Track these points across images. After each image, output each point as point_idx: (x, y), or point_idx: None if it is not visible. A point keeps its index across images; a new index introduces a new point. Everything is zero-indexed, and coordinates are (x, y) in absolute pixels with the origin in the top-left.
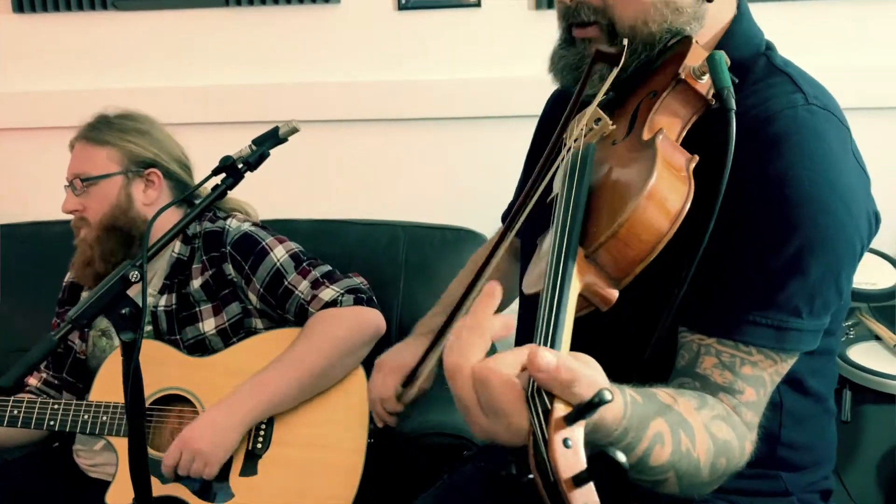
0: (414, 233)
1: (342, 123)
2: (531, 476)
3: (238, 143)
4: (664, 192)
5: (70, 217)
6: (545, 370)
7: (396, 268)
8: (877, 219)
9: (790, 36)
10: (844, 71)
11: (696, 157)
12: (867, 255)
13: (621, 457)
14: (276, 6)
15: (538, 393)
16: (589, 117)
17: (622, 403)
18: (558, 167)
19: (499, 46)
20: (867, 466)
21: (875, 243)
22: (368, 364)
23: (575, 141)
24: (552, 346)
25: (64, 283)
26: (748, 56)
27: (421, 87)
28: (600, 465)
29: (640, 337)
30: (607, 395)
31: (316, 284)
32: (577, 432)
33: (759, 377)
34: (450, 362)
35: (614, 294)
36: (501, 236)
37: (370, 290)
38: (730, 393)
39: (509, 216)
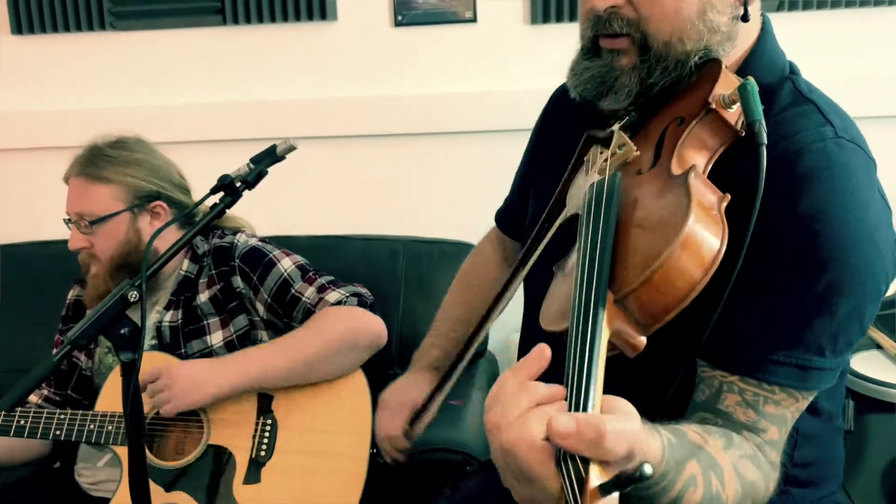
0: (413, 247)
1: (340, 140)
2: None
3: (237, 161)
4: (700, 238)
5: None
6: (566, 437)
7: (396, 282)
8: None
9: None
10: (832, 81)
11: (728, 196)
12: None
13: None
14: (273, 24)
15: (571, 457)
16: (613, 144)
17: (660, 448)
18: (579, 194)
19: (495, 61)
20: (871, 475)
21: None
22: (369, 370)
23: (595, 166)
24: (584, 408)
25: (68, 301)
26: (773, 81)
27: (418, 103)
28: None
29: (660, 372)
30: (647, 470)
31: (322, 289)
32: (613, 501)
33: (781, 416)
34: (490, 421)
35: (642, 342)
36: (515, 270)
37: (372, 299)
38: (753, 432)
39: (525, 246)
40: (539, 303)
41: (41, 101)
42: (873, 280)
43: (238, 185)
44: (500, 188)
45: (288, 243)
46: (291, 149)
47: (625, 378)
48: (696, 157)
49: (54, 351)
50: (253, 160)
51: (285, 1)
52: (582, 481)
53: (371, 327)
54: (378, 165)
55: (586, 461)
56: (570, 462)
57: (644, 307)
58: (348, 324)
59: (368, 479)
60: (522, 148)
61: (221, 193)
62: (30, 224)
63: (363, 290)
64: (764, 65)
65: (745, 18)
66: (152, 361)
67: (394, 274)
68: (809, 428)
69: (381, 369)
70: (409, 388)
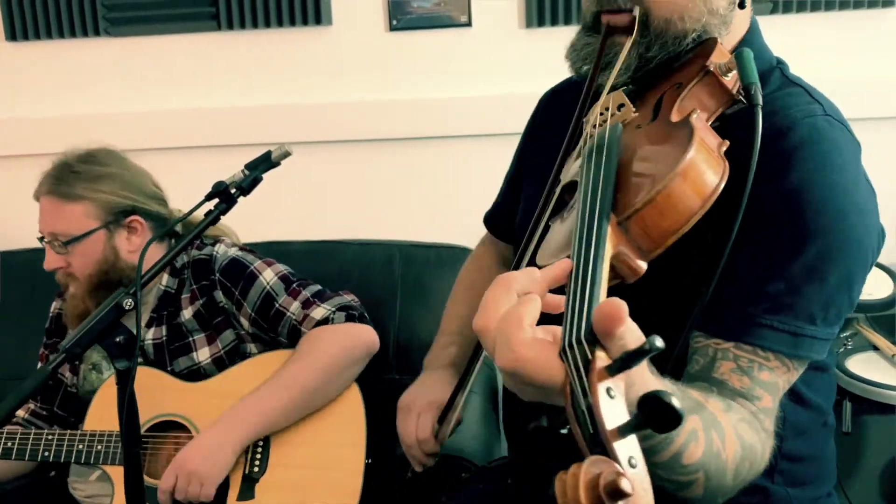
0: (409, 252)
1: (335, 144)
2: (567, 429)
3: (232, 166)
4: (702, 166)
5: None
6: (623, 322)
7: (392, 287)
8: (882, 236)
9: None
10: (826, 83)
11: (727, 143)
12: None
13: (676, 402)
14: (268, 29)
15: (577, 343)
16: (612, 103)
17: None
18: (576, 155)
19: (490, 65)
20: (869, 477)
21: None
22: (365, 378)
23: (595, 127)
24: (591, 305)
25: (51, 314)
26: (763, 69)
27: (413, 107)
28: (653, 411)
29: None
30: (658, 342)
31: (307, 304)
32: (621, 385)
33: (774, 383)
34: (478, 324)
35: (643, 266)
36: (518, 261)
37: (362, 307)
38: (748, 399)
39: (523, 239)
40: None
41: (37, 108)
42: (861, 250)
43: (233, 191)
44: (495, 192)
45: (283, 249)
46: (286, 155)
47: None
48: (696, 107)
49: (39, 365)
50: (248, 166)
51: (280, 6)
52: (588, 362)
53: (362, 339)
54: (373, 170)
55: (593, 343)
56: (574, 348)
57: (645, 229)
58: (340, 344)
59: (364, 490)
60: None
61: (216, 200)
62: (29, 231)
63: (350, 299)
64: (755, 55)
65: (741, 5)
66: (144, 378)
67: (390, 278)
68: (799, 420)
69: (378, 375)
70: (433, 387)
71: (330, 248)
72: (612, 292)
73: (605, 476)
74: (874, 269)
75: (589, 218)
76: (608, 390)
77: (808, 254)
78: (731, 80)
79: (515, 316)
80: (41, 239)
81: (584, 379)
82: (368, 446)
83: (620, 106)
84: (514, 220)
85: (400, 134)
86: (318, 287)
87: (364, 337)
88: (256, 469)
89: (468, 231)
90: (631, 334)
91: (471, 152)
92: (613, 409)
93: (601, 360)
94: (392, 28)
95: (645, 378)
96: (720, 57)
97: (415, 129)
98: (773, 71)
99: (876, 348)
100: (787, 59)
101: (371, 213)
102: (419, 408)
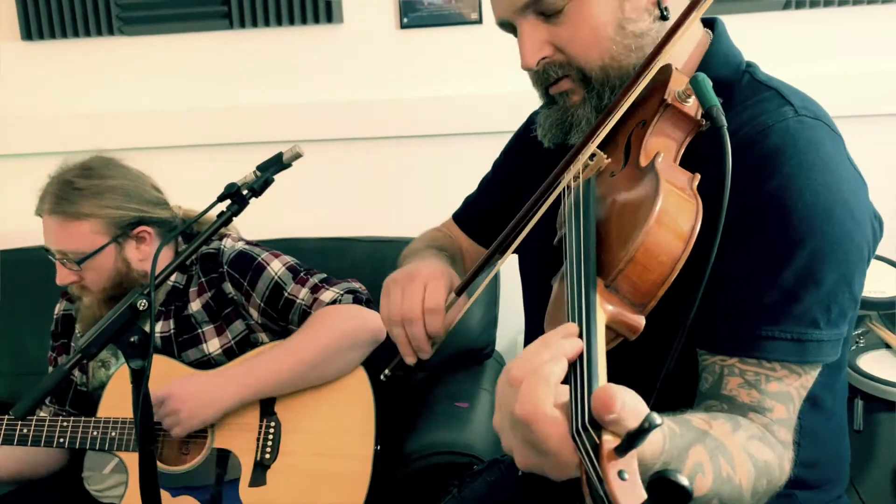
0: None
1: (346, 142)
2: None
3: (244, 165)
4: (673, 212)
5: None
6: (616, 411)
7: None
8: (879, 222)
9: (785, 45)
10: (839, 78)
11: (698, 176)
12: (875, 263)
13: (683, 480)
14: (279, 27)
15: (583, 429)
16: (584, 155)
17: (661, 436)
18: (562, 210)
19: (501, 62)
20: (881, 475)
21: (881, 250)
22: (372, 369)
23: (574, 180)
24: (590, 388)
25: (56, 316)
26: (730, 74)
27: (424, 105)
28: (662, 491)
29: (657, 363)
30: (657, 420)
31: (315, 289)
32: (632, 463)
33: (785, 393)
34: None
35: (641, 321)
36: (488, 257)
37: (369, 294)
38: (759, 412)
39: (500, 239)
40: (538, 315)
41: (51, 106)
42: (855, 247)
43: (245, 192)
44: None
45: (295, 245)
46: (298, 156)
47: (625, 375)
48: (661, 147)
49: (50, 369)
50: (259, 167)
51: (291, 4)
52: (597, 447)
53: (369, 324)
54: (384, 168)
55: (598, 429)
56: (583, 434)
57: (634, 286)
58: (346, 323)
59: (373, 478)
60: None
61: (228, 202)
62: (37, 229)
63: (358, 286)
64: (719, 61)
65: (663, 17)
66: (156, 366)
67: None
68: (814, 426)
69: (385, 368)
70: (434, 262)
71: (341, 244)
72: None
73: None
74: (886, 267)
75: (577, 290)
76: (620, 473)
77: (799, 258)
78: (692, 105)
79: (544, 372)
80: (47, 251)
81: (597, 465)
82: (377, 434)
83: (592, 156)
84: (485, 223)
85: (411, 131)
86: (325, 275)
87: (371, 322)
88: (268, 456)
89: None
90: (632, 411)
91: (482, 149)
92: (627, 491)
93: (608, 442)
94: (403, 26)
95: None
96: (677, 84)
97: (426, 127)
98: (742, 76)
99: (888, 346)
100: (801, 54)
101: (382, 211)
102: (425, 277)
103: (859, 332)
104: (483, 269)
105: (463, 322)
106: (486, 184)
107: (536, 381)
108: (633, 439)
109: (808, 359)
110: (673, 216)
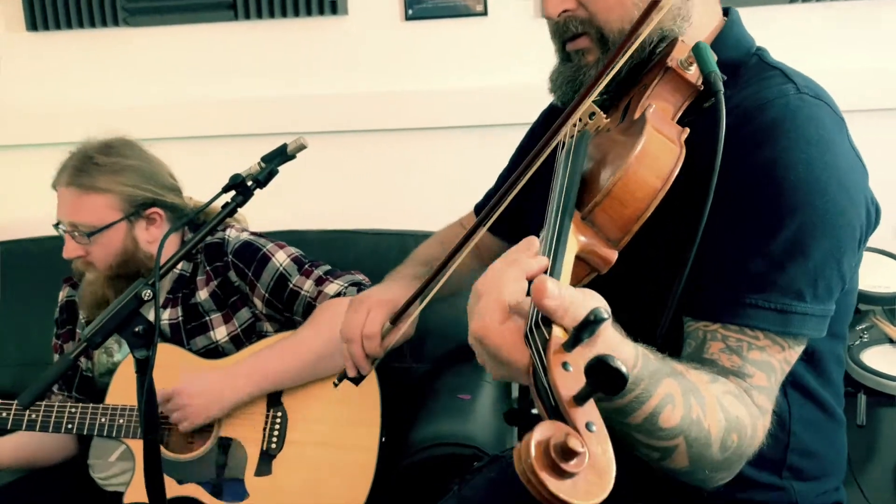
0: (423, 241)
1: (351, 134)
2: (535, 409)
3: (248, 156)
4: (655, 152)
5: None
6: (550, 297)
7: None
8: (876, 208)
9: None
10: (846, 73)
11: (687, 130)
12: (878, 258)
13: (619, 364)
14: (284, 19)
15: (536, 327)
16: (583, 112)
17: (634, 353)
18: (557, 167)
19: (506, 54)
20: (884, 470)
21: (882, 244)
22: (378, 370)
23: (570, 137)
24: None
25: (60, 303)
26: (739, 56)
27: (429, 97)
28: (598, 375)
29: (647, 330)
30: (603, 313)
31: (320, 281)
32: (578, 360)
33: (767, 362)
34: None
35: (613, 254)
36: (477, 224)
37: (372, 286)
38: (739, 377)
39: (487, 206)
40: None
41: (56, 97)
42: (846, 224)
43: (249, 183)
44: None
45: (298, 237)
46: (302, 147)
47: None
48: (657, 104)
49: (55, 357)
50: (264, 159)
51: None
52: (546, 342)
53: None
54: (388, 160)
55: (549, 325)
56: (536, 330)
57: (610, 220)
58: None
59: (378, 470)
60: None
61: (233, 192)
62: (41, 219)
63: (362, 278)
64: (730, 44)
65: None
66: (163, 353)
67: None
68: (807, 414)
69: (392, 363)
70: (391, 289)
71: (345, 237)
72: (597, 286)
73: (556, 437)
74: (888, 261)
75: (554, 218)
76: (564, 364)
77: (788, 229)
78: (693, 73)
79: (501, 290)
80: (57, 226)
81: (543, 357)
82: (383, 425)
83: (592, 115)
84: (501, 216)
85: (415, 123)
86: (329, 267)
87: None
88: (274, 446)
89: None
90: (577, 301)
91: (486, 142)
92: (569, 380)
93: (557, 338)
94: (407, 17)
95: (611, 346)
96: (680, 53)
97: (430, 119)
98: (751, 58)
99: (892, 341)
100: (808, 47)
101: (385, 203)
102: (371, 304)
103: (863, 326)
104: (471, 236)
105: (465, 317)
106: (502, 179)
107: (489, 298)
108: (579, 331)
109: (791, 330)
110: (654, 156)
